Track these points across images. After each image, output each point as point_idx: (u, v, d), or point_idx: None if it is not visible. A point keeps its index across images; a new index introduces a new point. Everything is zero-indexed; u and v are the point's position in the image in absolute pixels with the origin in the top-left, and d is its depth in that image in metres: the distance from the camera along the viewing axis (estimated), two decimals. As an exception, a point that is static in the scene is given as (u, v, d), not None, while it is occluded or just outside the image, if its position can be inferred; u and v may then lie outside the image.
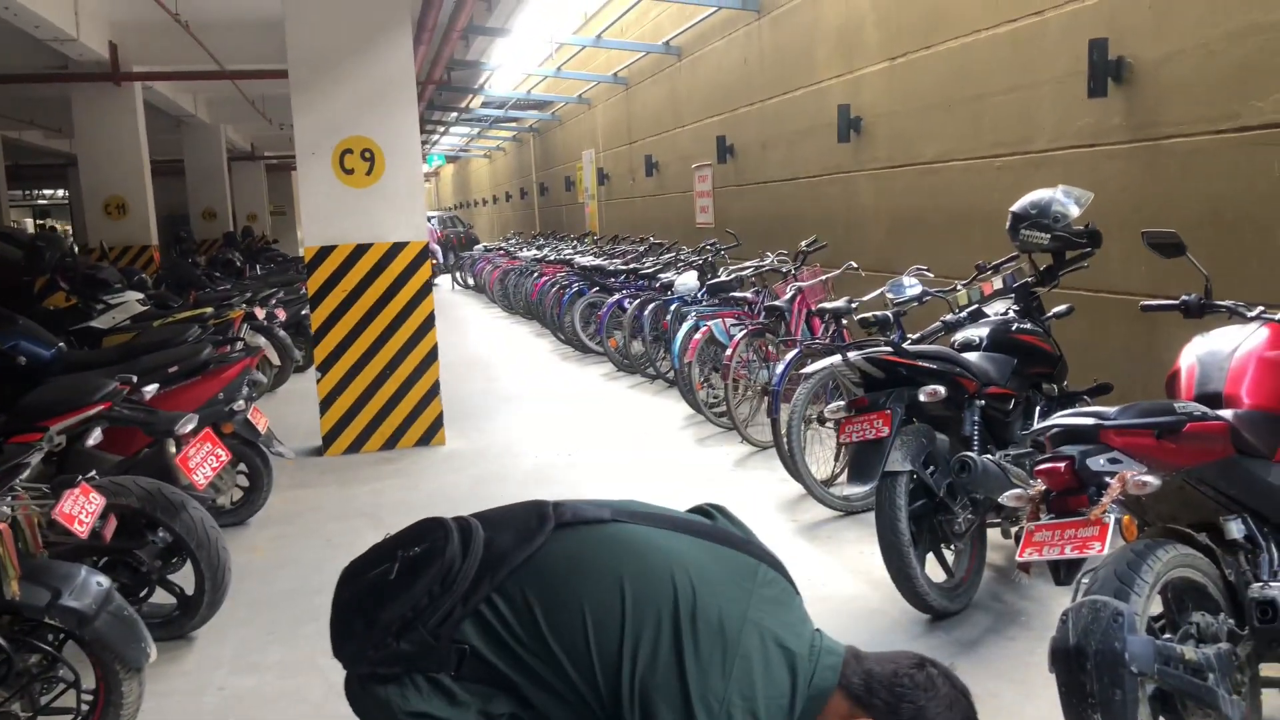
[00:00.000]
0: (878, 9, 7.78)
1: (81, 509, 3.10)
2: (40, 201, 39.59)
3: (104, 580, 2.94)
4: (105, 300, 7.96)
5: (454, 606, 1.57)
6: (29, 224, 35.02)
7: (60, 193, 35.60)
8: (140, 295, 8.34)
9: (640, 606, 1.54)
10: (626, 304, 9.49)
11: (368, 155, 6.95)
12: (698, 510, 1.78)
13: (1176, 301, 3.41)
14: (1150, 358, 5.06)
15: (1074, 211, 4.45)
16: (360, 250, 6.97)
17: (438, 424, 7.16)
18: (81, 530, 3.07)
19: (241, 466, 5.39)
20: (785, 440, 5.28)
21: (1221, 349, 3.05)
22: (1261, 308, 3.25)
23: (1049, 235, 4.43)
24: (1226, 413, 2.78)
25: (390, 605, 1.60)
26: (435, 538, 1.68)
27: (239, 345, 6.25)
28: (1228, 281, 3.54)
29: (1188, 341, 3.17)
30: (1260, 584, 2.59)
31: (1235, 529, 2.69)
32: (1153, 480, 2.47)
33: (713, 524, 1.74)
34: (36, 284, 8.51)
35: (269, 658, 3.82)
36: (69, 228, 31.36)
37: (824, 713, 1.57)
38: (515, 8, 11.31)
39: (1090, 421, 2.55)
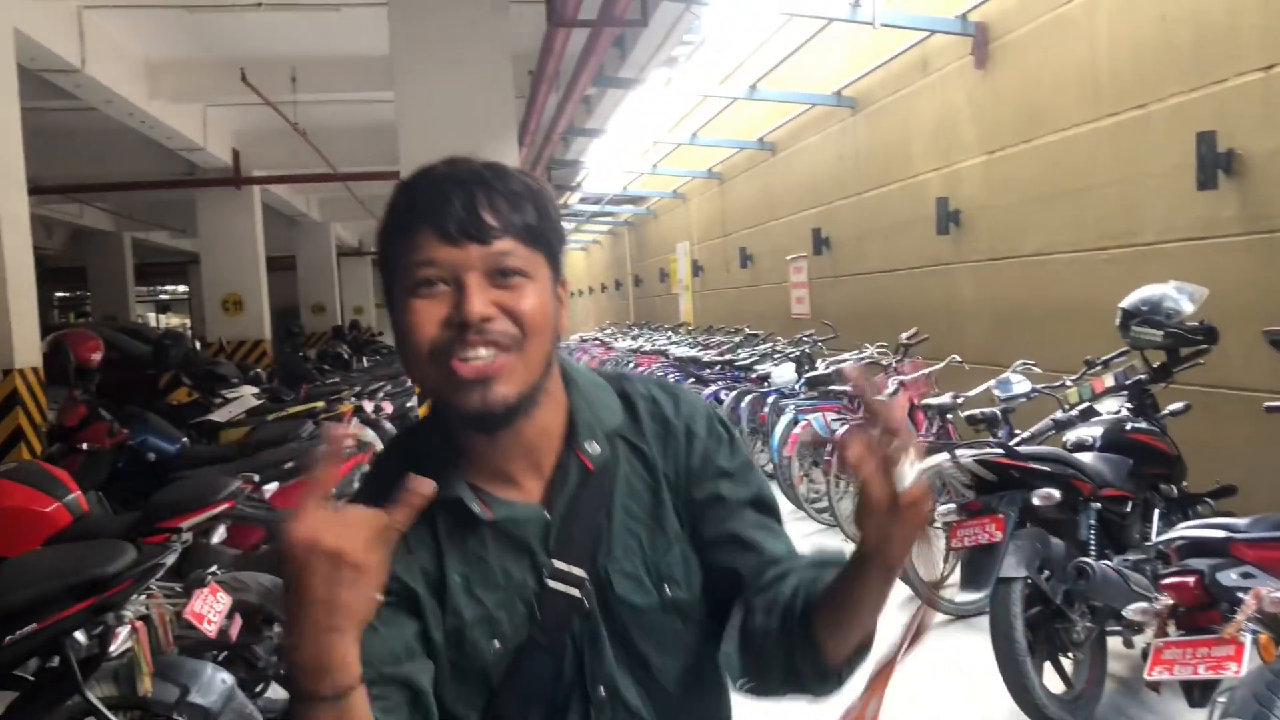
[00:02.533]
0: (973, 105, 7.82)
1: (210, 608, 3.22)
2: (162, 297, 41.65)
3: (228, 677, 3.04)
4: (223, 394, 8.29)
5: None
6: (152, 318, 36.85)
7: (180, 288, 37.45)
8: (255, 389, 8.68)
9: None
10: (723, 395, 9.48)
11: (474, 255, 7.19)
12: None
13: (1304, 403, 3.31)
14: (1276, 457, 4.86)
15: (1187, 308, 4.35)
16: (466, 347, 7.15)
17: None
18: (210, 629, 3.18)
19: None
20: (890, 539, 5.18)
21: (1357, 455, 2.93)
22: (1397, 411, 3.13)
23: (1162, 332, 4.33)
24: (1367, 524, 2.67)
25: None
26: None
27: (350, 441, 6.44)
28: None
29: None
30: None
31: (1384, 649, 2.56)
32: (1291, 597, 2.36)
33: None
34: (161, 379, 8.94)
35: (378, 756, 3.85)
36: (188, 322, 32.92)
37: None
38: (612, 110, 11.70)
39: (1220, 534, 2.46)
